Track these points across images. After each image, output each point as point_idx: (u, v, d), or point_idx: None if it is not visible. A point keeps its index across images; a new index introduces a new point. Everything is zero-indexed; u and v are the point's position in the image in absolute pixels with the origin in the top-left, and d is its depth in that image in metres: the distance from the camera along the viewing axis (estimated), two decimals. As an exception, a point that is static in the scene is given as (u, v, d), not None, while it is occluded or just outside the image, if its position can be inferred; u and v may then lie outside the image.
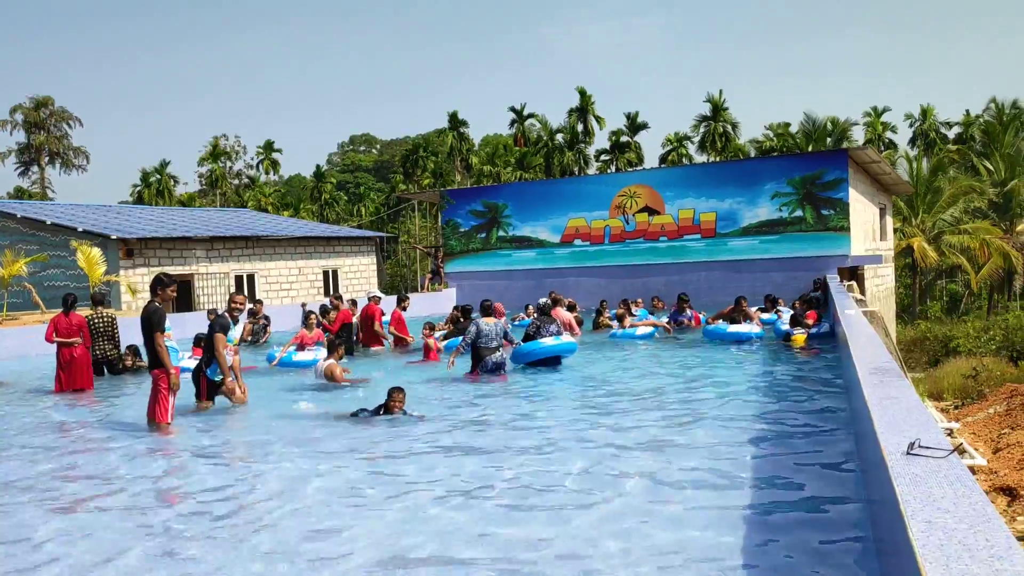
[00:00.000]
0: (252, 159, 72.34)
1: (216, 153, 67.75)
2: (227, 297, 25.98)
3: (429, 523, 4.85)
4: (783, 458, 6.04)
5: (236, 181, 71.10)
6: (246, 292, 27.05)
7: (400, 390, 8.24)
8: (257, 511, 5.31)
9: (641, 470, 5.81)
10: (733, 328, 13.83)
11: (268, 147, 69.98)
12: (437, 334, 15.27)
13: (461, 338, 11.52)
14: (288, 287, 28.70)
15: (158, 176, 65.01)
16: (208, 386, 8.96)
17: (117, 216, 28.95)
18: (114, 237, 23.24)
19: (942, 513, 2.78)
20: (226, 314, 8.97)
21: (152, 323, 8.02)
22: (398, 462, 6.43)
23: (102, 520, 5.18)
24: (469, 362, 11.30)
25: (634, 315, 16.35)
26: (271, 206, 59.95)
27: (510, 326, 12.56)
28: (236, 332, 9.09)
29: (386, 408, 8.16)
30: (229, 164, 70.46)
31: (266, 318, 17.66)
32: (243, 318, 14.92)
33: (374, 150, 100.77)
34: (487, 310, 11.52)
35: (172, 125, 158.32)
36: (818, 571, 3.89)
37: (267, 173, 71.00)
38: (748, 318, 14.49)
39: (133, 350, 13.06)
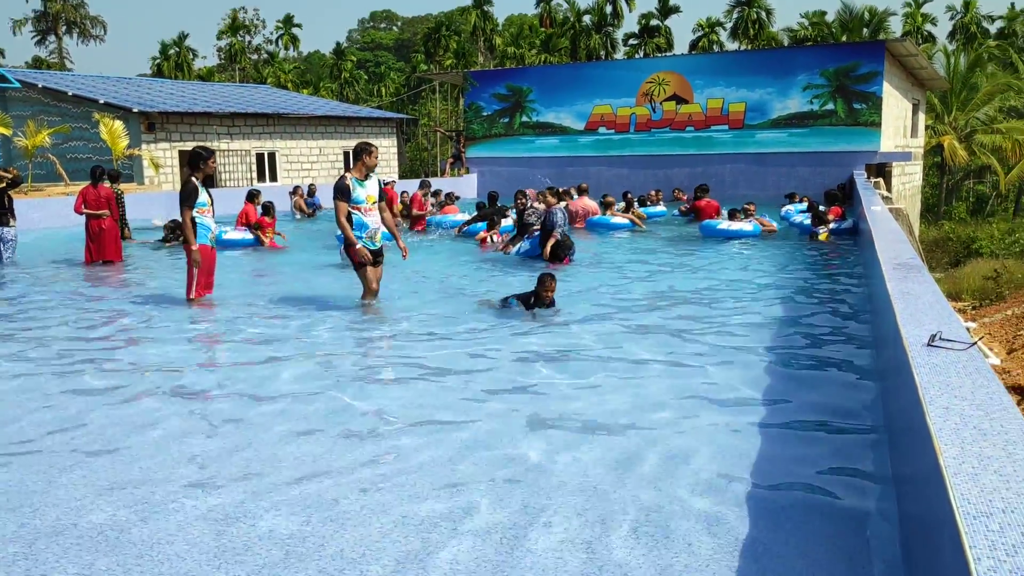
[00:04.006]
0: (271, 34, 70.95)
1: (235, 27, 66.34)
2: (251, 172, 25.99)
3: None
4: (800, 346, 6.16)
5: (255, 56, 69.88)
6: (267, 170, 27.07)
7: (552, 277, 7.28)
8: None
9: (664, 354, 5.95)
10: (724, 225, 13.75)
11: (287, 22, 68.40)
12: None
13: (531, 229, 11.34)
14: (309, 167, 28.62)
15: (176, 49, 63.94)
16: (368, 254, 7.78)
17: (138, 89, 28.67)
18: (135, 110, 23.11)
19: (959, 400, 2.87)
20: (345, 175, 7.73)
21: (181, 199, 8.13)
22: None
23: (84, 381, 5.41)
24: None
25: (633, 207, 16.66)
26: (290, 83, 59.03)
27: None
28: (372, 188, 7.80)
29: (537, 296, 7.25)
30: (248, 38, 69.10)
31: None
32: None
33: (395, 27, 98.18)
34: (563, 197, 11.21)
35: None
36: (829, 459, 4.03)
37: (286, 49, 69.63)
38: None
39: (174, 224, 13.13)
